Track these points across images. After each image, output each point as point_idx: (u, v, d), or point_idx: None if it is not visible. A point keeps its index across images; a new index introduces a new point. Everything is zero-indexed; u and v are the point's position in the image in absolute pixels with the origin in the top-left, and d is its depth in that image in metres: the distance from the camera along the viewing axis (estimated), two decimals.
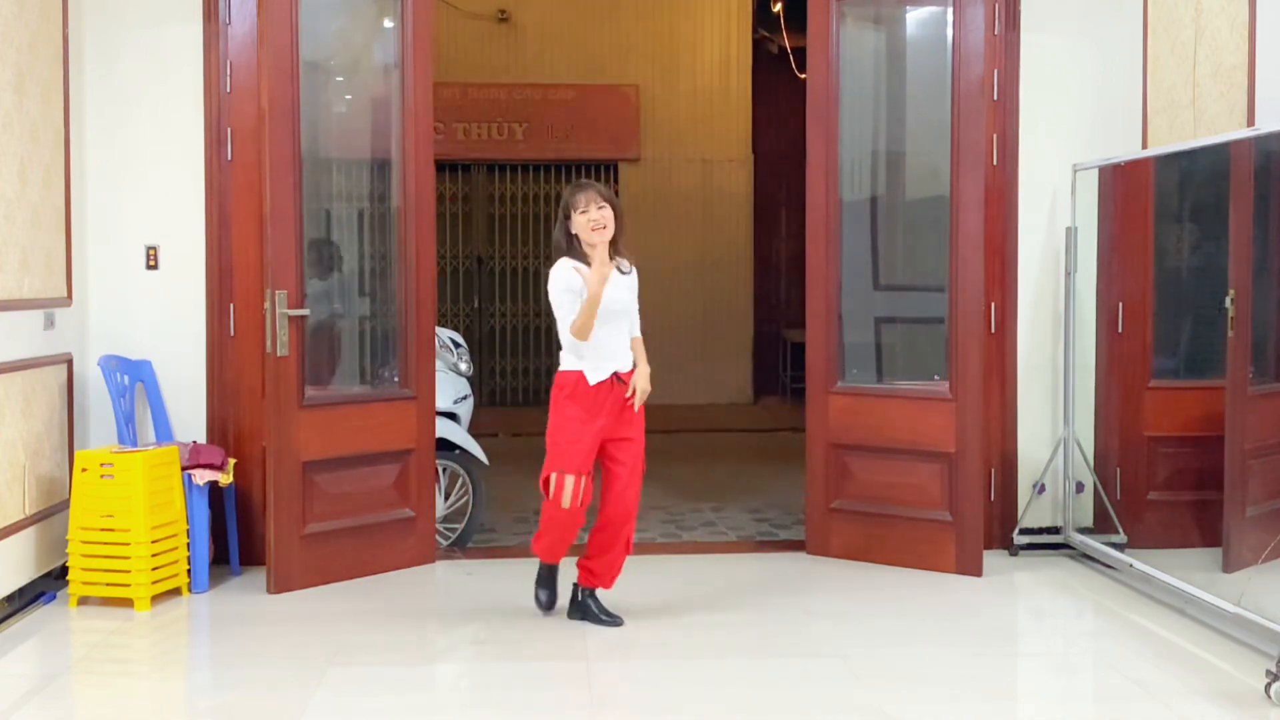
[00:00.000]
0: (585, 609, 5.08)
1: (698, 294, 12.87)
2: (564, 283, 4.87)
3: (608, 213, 4.85)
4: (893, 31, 6.51)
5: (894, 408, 5.98)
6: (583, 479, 4.85)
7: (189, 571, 5.52)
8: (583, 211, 4.85)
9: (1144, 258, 6.18)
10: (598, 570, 5.06)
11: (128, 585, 5.26)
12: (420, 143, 5.93)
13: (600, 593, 5.11)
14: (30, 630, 5.08)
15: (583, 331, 4.80)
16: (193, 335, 5.99)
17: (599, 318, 4.81)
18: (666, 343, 12.77)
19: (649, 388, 4.98)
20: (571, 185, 5.01)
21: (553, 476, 4.87)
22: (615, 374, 4.92)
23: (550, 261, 5.00)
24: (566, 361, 4.95)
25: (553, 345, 13.00)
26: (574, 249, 4.91)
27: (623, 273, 4.98)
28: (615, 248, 4.93)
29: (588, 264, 4.83)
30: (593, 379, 4.89)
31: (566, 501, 4.84)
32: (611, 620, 5.04)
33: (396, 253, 6.00)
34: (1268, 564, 4.80)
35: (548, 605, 5.19)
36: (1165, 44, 5.95)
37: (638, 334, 5.09)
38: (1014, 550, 6.18)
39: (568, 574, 5.18)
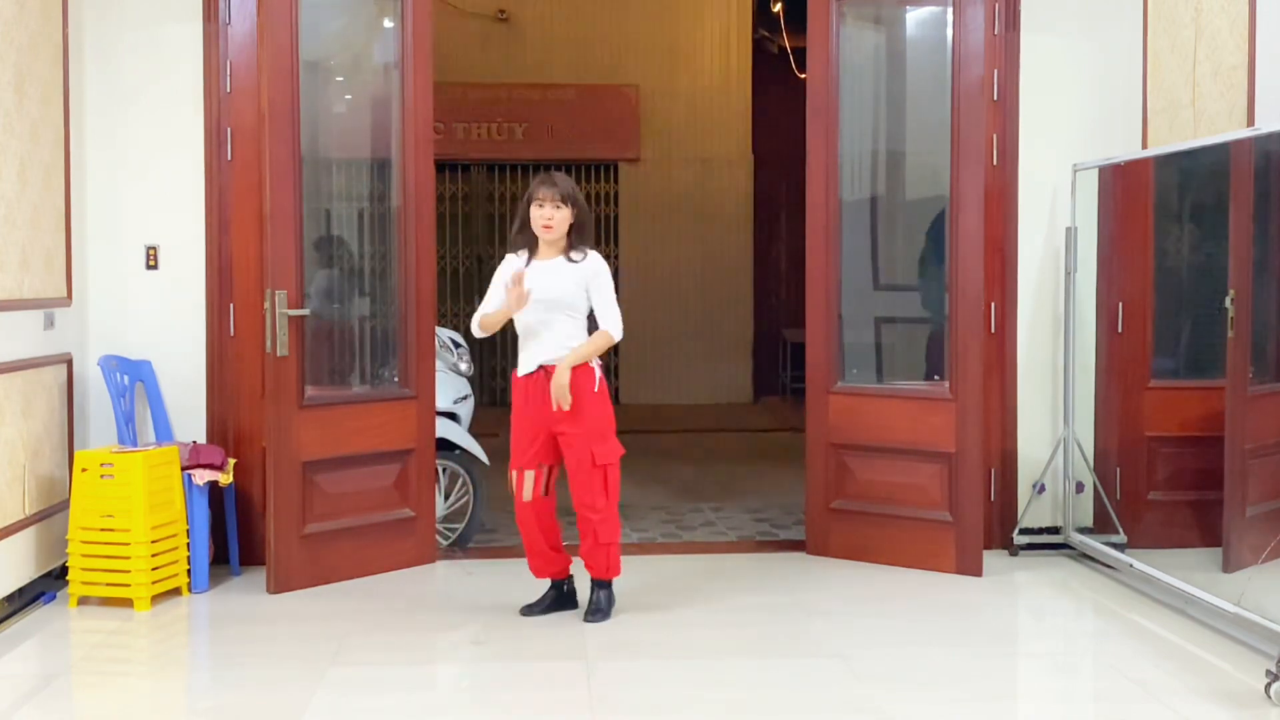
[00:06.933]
0: (561, 599, 5.20)
1: (697, 294, 12.86)
2: (498, 272, 5.13)
3: (563, 215, 4.97)
4: (893, 31, 6.51)
5: (894, 408, 5.98)
6: (530, 472, 5.00)
7: (189, 571, 5.52)
8: (539, 206, 4.98)
9: (1144, 258, 6.17)
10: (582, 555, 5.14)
11: (128, 585, 5.26)
12: (420, 143, 5.93)
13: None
14: (30, 630, 5.08)
15: (481, 326, 5.05)
16: (192, 335, 5.99)
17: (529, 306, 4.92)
18: (666, 343, 12.82)
19: (562, 382, 4.86)
20: (541, 175, 5.08)
21: (513, 475, 5.05)
22: (542, 366, 4.98)
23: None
24: None
25: None
26: (527, 234, 5.05)
27: (572, 261, 5.01)
28: (571, 240, 5.03)
29: (534, 253, 5.02)
30: (520, 371, 5.06)
31: (527, 494, 5.02)
32: (594, 613, 5.08)
33: (396, 253, 6.01)
34: (1268, 564, 4.80)
35: (536, 611, 5.20)
36: (1165, 44, 5.95)
37: (606, 328, 4.99)
38: (1014, 550, 6.18)
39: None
